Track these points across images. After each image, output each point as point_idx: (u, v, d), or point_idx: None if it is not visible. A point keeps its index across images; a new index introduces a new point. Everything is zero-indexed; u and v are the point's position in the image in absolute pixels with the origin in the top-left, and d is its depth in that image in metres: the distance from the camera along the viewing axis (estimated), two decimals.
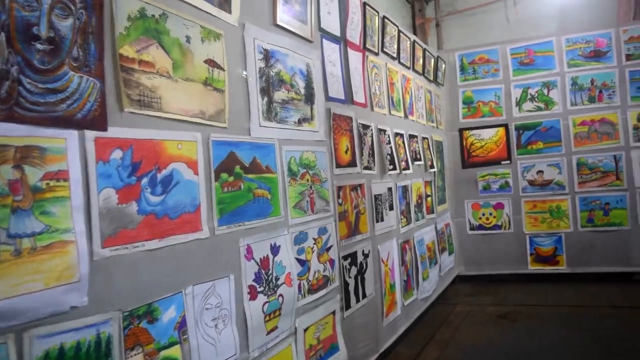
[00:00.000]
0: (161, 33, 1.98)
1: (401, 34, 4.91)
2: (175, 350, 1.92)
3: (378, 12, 4.32)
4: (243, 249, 2.37)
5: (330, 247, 3.22)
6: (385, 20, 4.48)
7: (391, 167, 4.36)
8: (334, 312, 3.20)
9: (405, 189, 4.76)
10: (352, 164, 3.65)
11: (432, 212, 5.63)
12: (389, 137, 4.42)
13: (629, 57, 5.98)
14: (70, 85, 1.60)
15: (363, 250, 3.70)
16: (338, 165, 3.42)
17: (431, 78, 6.04)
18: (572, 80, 6.18)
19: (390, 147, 4.43)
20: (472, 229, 6.60)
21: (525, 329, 4.62)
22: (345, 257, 3.42)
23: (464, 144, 6.64)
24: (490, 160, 6.52)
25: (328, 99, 3.35)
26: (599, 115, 6.07)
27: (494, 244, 6.47)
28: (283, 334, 2.64)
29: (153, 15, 1.93)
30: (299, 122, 2.95)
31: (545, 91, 6.28)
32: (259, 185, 2.52)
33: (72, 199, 1.58)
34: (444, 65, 6.49)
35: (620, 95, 6.00)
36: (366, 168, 3.88)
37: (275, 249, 2.61)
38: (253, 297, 2.41)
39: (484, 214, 6.53)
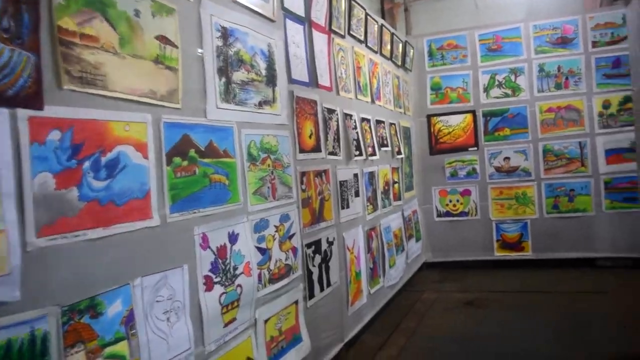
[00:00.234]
0: (106, 5, 1.83)
1: (369, 17, 4.80)
2: (122, 347, 1.79)
3: None
4: (198, 237, 2.24)
5: (293, 234, 3.11)
6: (352, 2, 4.35)
7: (357, 152, 4.27)
8: (296, 302, 3.11)
9: (372, 175, 4.68)
10: (317, 149, 3.54)
11: (400, 199, 5.58)
12: (355, 122, 4.32)
13: (595, 44, 6.00)
14: (0, 58, 1.45)
15: (327, 238, 3.61)
16: (301, 150, 3.30)
17: (399, 63, 5.96)
18: (539, 67, 6.18)
19: (357, 133, 4.33)
20: (439, 215, 6.59)
21: (492, 315, 4.63)
22: (308, 245, 3.32)
23: (432, 130, 6.61)
24: (457, 147, 6.51)
25: (291, 81, 3.22)
26: (565, 102, 6.10)
27: (461, 230, 6.48)
28: (242, 326, 2.54)
29: None
30: (260, 104, 2.82)
31: (513, 77, 6.28)
32: (216, 170, 2.39)
33: (1, 184, 1.43)
34: (412, 51, 6.40)
35: (586, 82, 6.04)
36: (331, 153, 3.77)
37: (233, 237, 2.49)
38: (209, 288, 2.29)
39: (450, 201, 6.53)
